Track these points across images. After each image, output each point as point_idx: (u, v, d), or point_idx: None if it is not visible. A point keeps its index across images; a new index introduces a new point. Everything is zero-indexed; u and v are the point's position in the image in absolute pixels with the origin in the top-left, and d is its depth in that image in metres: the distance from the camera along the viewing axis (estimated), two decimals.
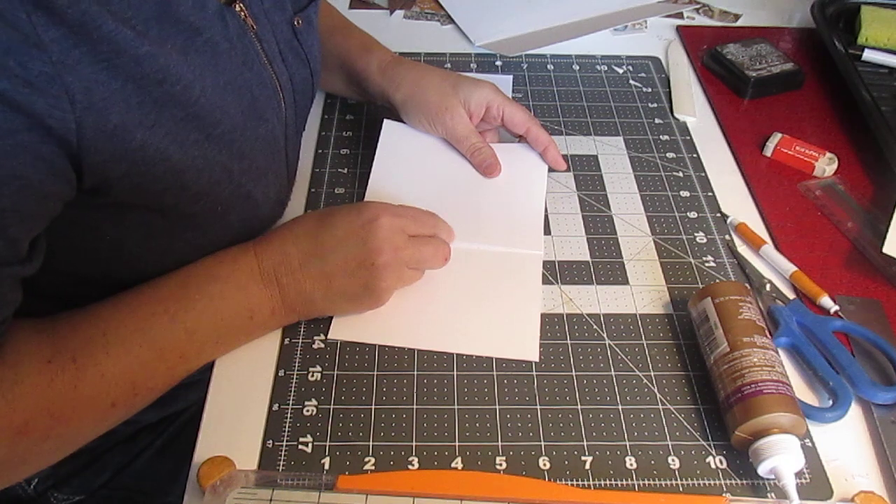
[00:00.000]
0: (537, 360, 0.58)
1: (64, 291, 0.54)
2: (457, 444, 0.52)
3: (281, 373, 0.56)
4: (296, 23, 0.59)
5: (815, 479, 0.51)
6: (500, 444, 0.52)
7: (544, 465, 0.51)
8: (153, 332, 0.50)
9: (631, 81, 0.87)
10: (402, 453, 0.52)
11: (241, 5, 0.52)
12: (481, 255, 0.65)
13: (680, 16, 1.00)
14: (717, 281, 0.64)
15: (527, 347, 0.58)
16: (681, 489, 0.50)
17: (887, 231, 0.65)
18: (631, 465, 0.52)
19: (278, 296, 0.55)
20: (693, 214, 0.70)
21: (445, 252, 0.61)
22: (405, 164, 0.72)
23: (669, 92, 0.86)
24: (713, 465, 0.52)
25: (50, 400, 0.46)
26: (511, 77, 0.87)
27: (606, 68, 0.89)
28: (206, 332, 0.53)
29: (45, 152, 0.41)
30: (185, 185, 0.50)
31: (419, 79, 0.71)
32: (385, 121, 0.75)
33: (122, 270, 0.54)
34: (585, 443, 0.53)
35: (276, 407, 0.54)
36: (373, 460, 0.51)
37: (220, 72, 0.50)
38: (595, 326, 0.60)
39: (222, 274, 0.54)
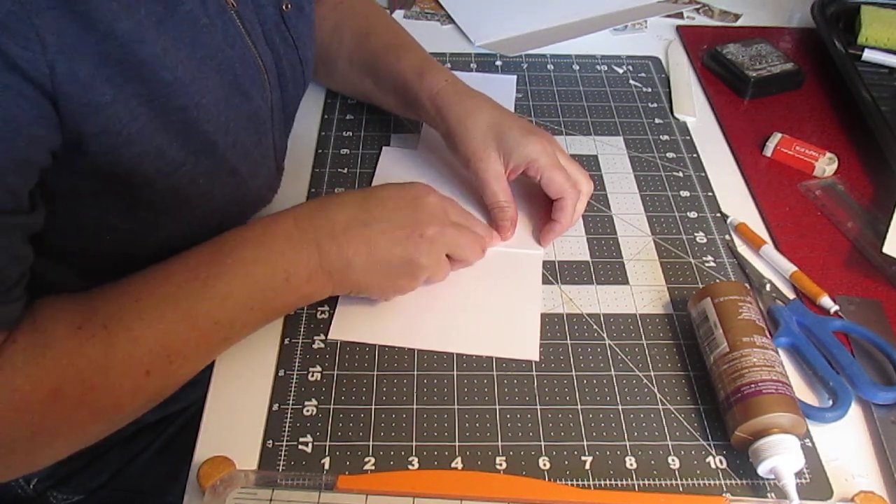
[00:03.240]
0: (537, 359, 0.58)
1: (61, 274, 0.55)
2: (457, 444, 0.52)
3: (281, 373, 0.56)
4: (284, 7, 0.60)
5: (815, 479, 0.51)
6: (500, 444, 0.52)
7: (544, 465, 0.51)
8: (186, 297, 0.50)
9: (631, 81, 0.87)
10: (402, 453, 0.52)
11: None
12: None
13: (680, 16, 1.00)
14: (717, 281, 0.64)
15: (527, 347, 0.58)
16: (681, 489, 0.50)
17: (887, 231, 0.65)
18: (631, 465, 0.52)
19: (317, 258, 0.54)
20: (693, 214, 0.70)
21: (483, 244, 0.61)
22: (405, 175, 0.72)
23: (669, 92, 0.86)
24: (713, 465, 0.52)
25: (80, 366, 0.46)
26: (515, 77, 0.87)
27: (606, 68, 0.89)
28: (240, 298, 0.52)
29: (27, 93, 0.41)
30: (161, 151, 0.49)
31: (464, 117, 0.66)
32: (384, 148, 0.76)
33: (110, 247, 0.54)
34: (585, 443, 0.53)
35: (276, 407, 0.54)
36: (373, 460, 0.51)
37: (199, 46, 0.49)
38: (595, 326, 0.60)
39: (255, 237, 0.54)
